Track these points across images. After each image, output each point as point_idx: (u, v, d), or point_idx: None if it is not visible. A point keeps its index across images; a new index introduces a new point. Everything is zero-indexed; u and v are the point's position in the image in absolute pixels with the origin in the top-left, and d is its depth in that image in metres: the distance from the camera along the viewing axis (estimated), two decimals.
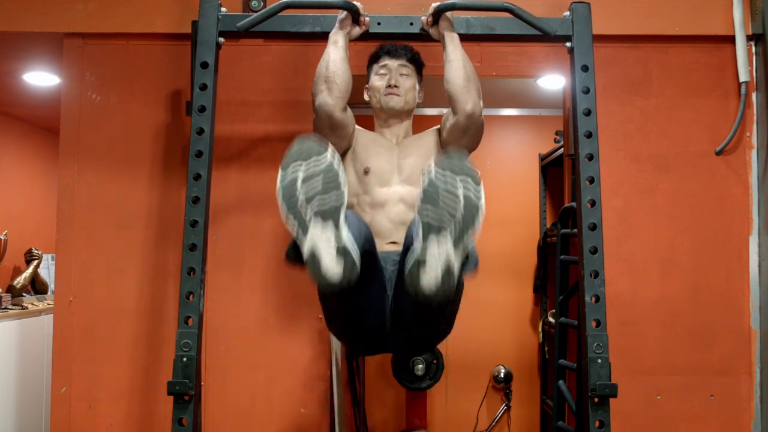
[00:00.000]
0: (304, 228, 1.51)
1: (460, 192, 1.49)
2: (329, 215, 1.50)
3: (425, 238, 1.48)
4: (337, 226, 1.50)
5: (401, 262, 1.80)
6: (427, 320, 1.83)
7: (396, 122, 2.15)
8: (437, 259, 1.46)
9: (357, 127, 2.13)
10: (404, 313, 1.82)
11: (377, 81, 2.13)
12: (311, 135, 1.66)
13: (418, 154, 2.08)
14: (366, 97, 2.19)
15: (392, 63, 2.13)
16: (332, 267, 1.47)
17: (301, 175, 1.52)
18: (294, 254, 1.70)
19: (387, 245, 2.00)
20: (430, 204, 1.48)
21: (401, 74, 2.12)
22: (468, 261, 1.61)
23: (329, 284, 1.48)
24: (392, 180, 2.06)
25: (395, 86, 2.10)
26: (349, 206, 2.09)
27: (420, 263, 1.47)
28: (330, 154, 1.54)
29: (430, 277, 1.46)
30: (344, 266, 1.48)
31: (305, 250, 1.49)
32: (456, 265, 1.48)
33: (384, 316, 1.85)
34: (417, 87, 2.16)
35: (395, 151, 2.10)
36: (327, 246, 1.48)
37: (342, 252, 1.48)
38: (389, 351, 2.06)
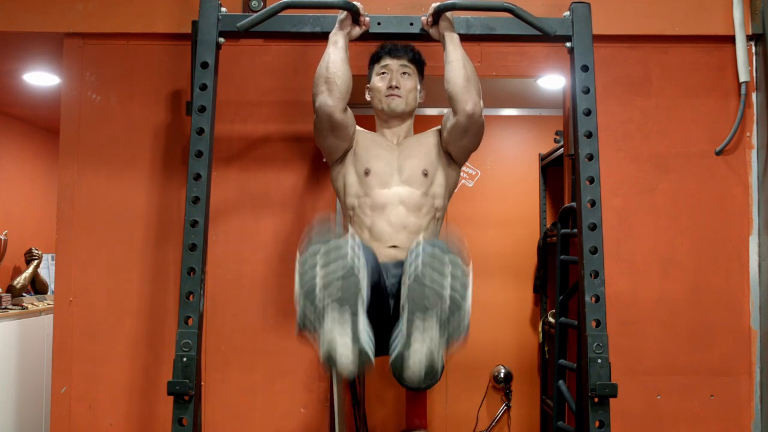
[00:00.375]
0: (320, 319, 1.48)
1: (446, 293, 1.47)
2: (348, 323, 1.47)
3: (409, 333, 1.46)
4: (355, 334, 1.46)
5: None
6: None
7: (397, 123, 2.15)
8: (420, 360, 1.45)
9: (358, 127, 2.13)
10: None
11: (378, 82, 2.13)
12: (330, 239, 1.57)
13: (419, 155, 2.09)
14: (367, 97, 2.19)
15: (393, 63, 2.12)
16: (349, 366, 1.45)
17: (319, 276, 1.49)
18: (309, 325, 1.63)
19: (387, 249, 2.00)
20: (416, 296, 1.47)
21: (402, 74, 2.12)
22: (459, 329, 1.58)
23: (342, 374, 1.47)
24: (392, 181, 2.06)
25: (396, 87, 2.10)
26: (351, 208, 2.09)
27: (404, 357, 1.46)
28: (351, 257, 1.50)
29: (413, 373, 1.46)
30: (359, 363, 1.46)
31: (322, 348, 1.47)
32: (440, 361, 1.47)
33: (385, 321, 1.84)
34: (418, 87, 2.16)
35: (396, 152, 2.10)
36: (344, 349, 1.45)
37: (359, 354, 1.46)
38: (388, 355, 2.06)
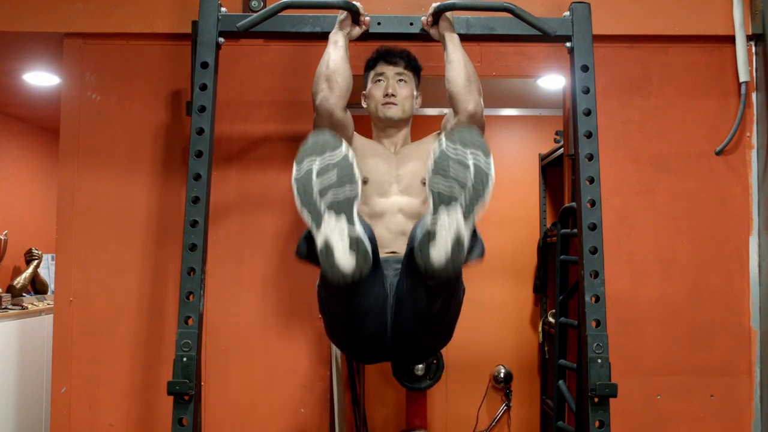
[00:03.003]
0: (318, 220, 1.52)
1: (471, 162, 1.52)
2: (343, 208, 1.52)
3: (435, 209, 1.49)
4: (350, 218, 1.51)
5: (404, 265, 1.80)
6: (428, 325, 1.82)
7: (394, 131, 2.14)
8: (447, 230, 1.48)
9: (356, 133, 2.12)
10: (405, 318, 1.81)
11: (374, 90, 2.12)
12: (325, 130, 1.68)
13: (417, 164, 2.08)
14: (363, 104, 2.18)
15: (389, 70, 2.11)
16: (345, 258, 1.48)
17: (315, 168, 1.54)
18: (305, 251, 1.71)
19: (385, 255, 2.00)
20: (440, 175, 1.50)
21: (399, 81, 2.11)
22: (475, 245, 1.62)
23: (342, 275, 1.49)
24: (391, 190, 2.06)
25: (393, 95, 2.09)
26: None
27: (430, 235, 1.48)
28: (344, 148, 1.56)
29: (440, 250, 1.48)
30: (357, 258, 1.49)
31: (319, 242, 1.51)
32: (466, 237, 1.50)
33: (385, 321, 1.84)
34: (415, 93, 2.15)
35: (394, 160, 2.10)
36: (340, 238, 1.49)
37: (355, 243, 1.49)
38: (389, 359, 2.06)
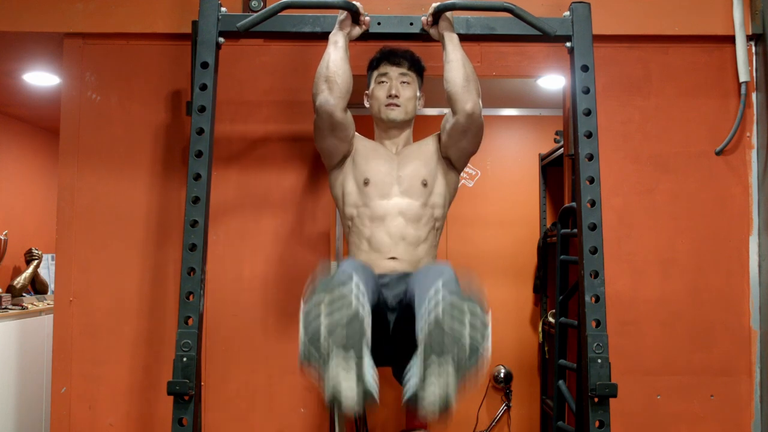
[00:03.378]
0: (325, 362, 1.47)
1: (466, 337, 1.49)
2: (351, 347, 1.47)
3: (424, 375, 1.46)
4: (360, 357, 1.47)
5: (400, 306, 1.82)
6: None
7: (396, 132, 2.14)
8: (435, 399, 1.45)
9: (357, 134, 2.12)
10: (405, 338, 1.80)
11: (377, 90, 2.11)
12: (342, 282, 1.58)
13: (418, 165, 2.08)
14: (366, 105, 2.18)
15: (392, 71, 2.11)
16: (354, 405, 1.45)
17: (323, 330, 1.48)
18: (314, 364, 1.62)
19: (386, 261, 2.00)
20: (434, 354, 1.47)
21: (402, 83, 2.10)
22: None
23: (347, 411, 1.47)
24: (392, 192, 2.05)
25: (396, 96, 2.08)
26: (349, 217, 2.09)
27: (417, 398, 1.47)
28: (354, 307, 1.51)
29: (429, 405, 1.46)
30: (364, 402, 1.47)
31: (327, 390, 1.46)
32: (454, 398, 1.47)
33: (384, 337, 1.84)
34: (418, 94, 2.15)
35: (395, 161, 2.10)
36: (350, 390, 1.45)
37: (363, 395, 1.46)
38: (388, 364, 2.06)
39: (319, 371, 1.48)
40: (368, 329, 1.51)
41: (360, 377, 1.46)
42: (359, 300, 1.51)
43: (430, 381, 1.46)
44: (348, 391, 1.45)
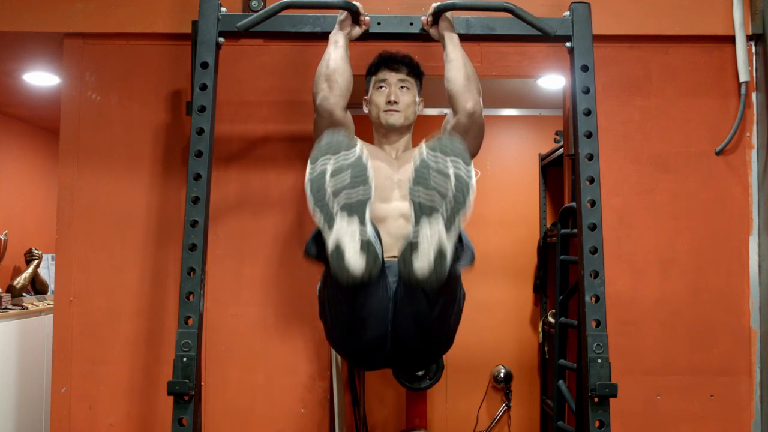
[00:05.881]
0: (330, 221, 1.52)
1: (451, 172, 1.52)
2: (355, 210, 1.52)
3: (417, 221, 1.50)
4: (362, 220, 1.52)
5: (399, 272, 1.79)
6: (427, 331, 1.81)
7: (396, 136, 2.14)
8: (429, 241, 1.48)
9: (357, 138, 2.11)
10: (404, 324, 1.80)
11: (376, 96, 2.11)
12: (341, 130, 1.68)
13: None
14: (365, 110, 2.18)
15: (392, 77, 2.10)
16: (356, 260, 1.49)
17: (329, 168, 1.54)
18: (315, 251, 1.70)
19: (387, 259, 1.99)
20: (421, 185, 1.51)
21: (401, 88, 2.10)
22: (463, 252, 1.62)
23: (351, 276, 1.49)
24: (392, 196, 2.05)
25: (395, 102, 2.08)
26: None
27: (412, 246, 1.49)
28: (359, 149, 1.56)
29: (422, 261, 1.48)
30: (367, 259, 1.50)
31: (330, 242, 1.51)
32: (449, 248, 1.50)
33: (386, 328, 1.83)
34: (417, 99, 2.14)
35: (395, 165, 2.09)
36: (352, 240, 1.50)
37: (366, 246, 1.50)
38: (389, 366, 2.05)
39: (325, 230, 1.52)
40: (372, 192, 1.54)
41: (363, 233, 1.50)
42: (363, 162, 1.55)
43: (423, 230, 1.49)
44: (351, 243, 1.49)
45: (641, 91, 2.57)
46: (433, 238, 1.48)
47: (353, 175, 1.53)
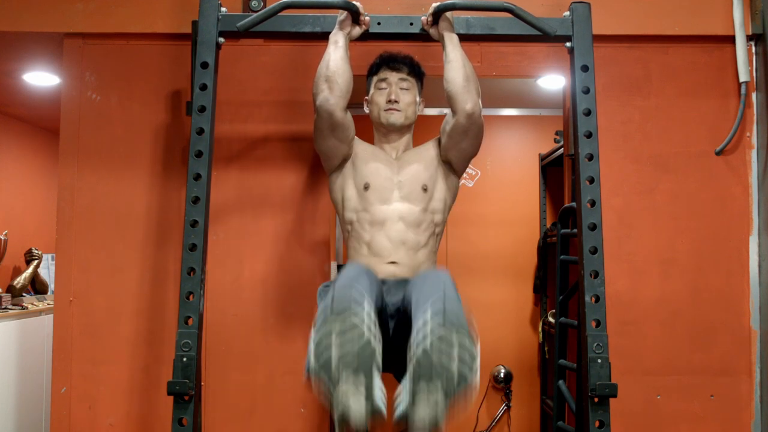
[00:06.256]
0: (335, 384, 1.47)
1: (455, 366, 1.50)
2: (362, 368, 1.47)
3: (414, 398, 1.46)
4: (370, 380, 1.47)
5: (398, 312, 1.83)
6: None
7: (396, 137, 2.14)
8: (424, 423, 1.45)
9: (357, 138, 2.12)
10: (403, 344, 1.80)
11: (377, 96, 2.11)
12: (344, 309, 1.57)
13: (418, 170, 2.07)
14: (366, 110, 2.18)
15: (392, 76, 2.11)
16: (363, 425, 1.45)
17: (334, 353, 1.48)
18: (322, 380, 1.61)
19: (386, 265, 2.00)
20: (424, 381, 1.47)
21: (401, 88, 2.10)
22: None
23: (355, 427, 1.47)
24: (392, 197, 2.05)
25: (395, 101, 2.08)
26: (349, 222, 2.08)
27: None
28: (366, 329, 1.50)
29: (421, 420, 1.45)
30: (373, 419, 1.46)
31: (336, 409, 1.46)
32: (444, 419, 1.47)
33: (385, 347, 1.84)
34: (417, 99, 2.15)
35: (395, 166, 2.09)
36: (359, 408, 1.45)
37: (373, 413, 1.46)
38: (389, 372, 2.05)
39: (328, 391, 1.47)
40: (379, 357, 1.50)
41: (369, 395, 1.45)
42: (371, 331, 1.51)
43: (420, 400, 1.46)
44: (357, 409, 1.44)
45: (641, 91, 2.57)
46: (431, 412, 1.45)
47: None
